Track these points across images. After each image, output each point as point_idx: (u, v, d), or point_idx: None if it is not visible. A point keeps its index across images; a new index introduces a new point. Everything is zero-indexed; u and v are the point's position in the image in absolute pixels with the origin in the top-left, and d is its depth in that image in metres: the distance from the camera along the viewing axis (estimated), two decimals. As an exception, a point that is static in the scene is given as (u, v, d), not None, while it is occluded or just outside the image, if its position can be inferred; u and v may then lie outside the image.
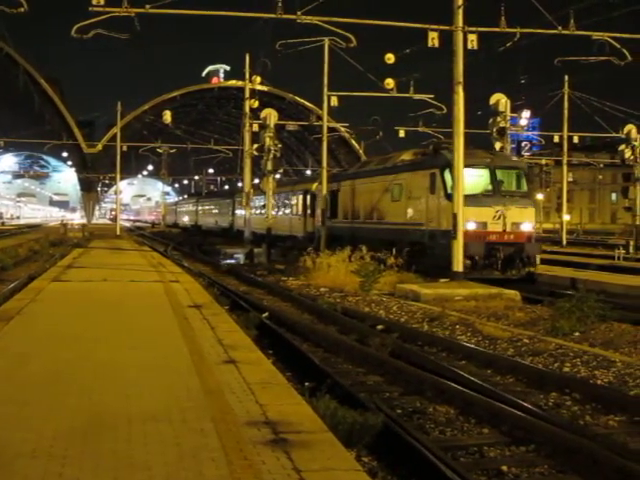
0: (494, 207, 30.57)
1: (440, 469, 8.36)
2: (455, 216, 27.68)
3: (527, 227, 31.40)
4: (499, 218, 30.47)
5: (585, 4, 31.11)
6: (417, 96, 46.41)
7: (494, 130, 36.96)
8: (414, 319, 21.49)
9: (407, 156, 37.64)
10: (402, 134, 60.01)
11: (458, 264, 27.51)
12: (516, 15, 30.73)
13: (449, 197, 30.08)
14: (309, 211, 51.26)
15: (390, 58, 34.03)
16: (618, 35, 30.75)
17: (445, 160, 31.34)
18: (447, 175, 30.94)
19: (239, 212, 65.89)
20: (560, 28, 29.55)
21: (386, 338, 17.19)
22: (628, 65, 31.89)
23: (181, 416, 8.06)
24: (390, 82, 42.44)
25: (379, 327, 19.66)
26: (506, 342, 17.41)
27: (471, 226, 29.89)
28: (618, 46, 30.74)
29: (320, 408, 9.51)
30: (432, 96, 47.01)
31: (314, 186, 49.68)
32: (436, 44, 28.10)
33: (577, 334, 18.33)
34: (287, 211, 58.14)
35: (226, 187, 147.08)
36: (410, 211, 34.42)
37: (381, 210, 38.04)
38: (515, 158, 40.83)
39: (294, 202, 55.87)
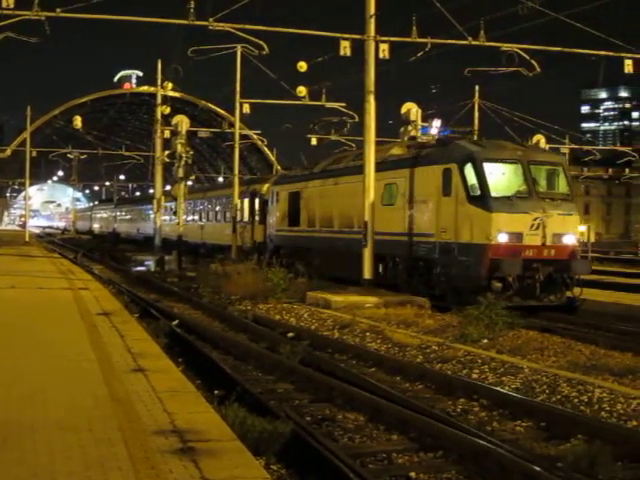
0: (532, 213, 24.44)
1: (348, 476, 8.39)
2: (366, 224, 27.75)
3: (571, 239, 25.24)
4: (537, 228, 24.40)
5: (495, 16, 31.55)
6: (329, 104, 46.51)
7: (405, 139, 37.16)
8: (325, 326, 21.54)
9: (398, 150, 31.43)
10: (314, 142, 60.06)
11: (368, 271, 27.57)
12: (429, 26, 31.02)
13: (473, 200, 24.87)
14: (257, 217, 45.83)
15: (302, 66, 34.11)
16: (527, 47, 31.20)
17: (465, 153, 25.83)
18: (469, 172, 25.19)
19: (166, 218, 60.11)
20: (470, 39, 29.88)
21: (296, 346, 17.22)
22: (537, 76, 32.38)
23: (88, 425, 7.96)
24: (302, 90, 42.55)
25: (290, 335, 19.72)
26: (415, 349, 17.57)
27: (503, 238, 24.10)
28: (527, 57, 31.20)
29: (229, 416, 9.50)
30: (344, 104, 47.19)
31: (265, 187, 44.99)
32: (348, 53, 28.23)
33: (485, 341, 18.54)
34: (229, 217, 50.48)
35: (137, 193, 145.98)
36: (411, 218, 27.91)
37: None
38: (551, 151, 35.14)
39: (238, 207, 48.72)
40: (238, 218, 48.14)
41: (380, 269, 29.09)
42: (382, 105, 30.21)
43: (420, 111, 39.53)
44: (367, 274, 27.60)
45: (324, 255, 32.62)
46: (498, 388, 13.74)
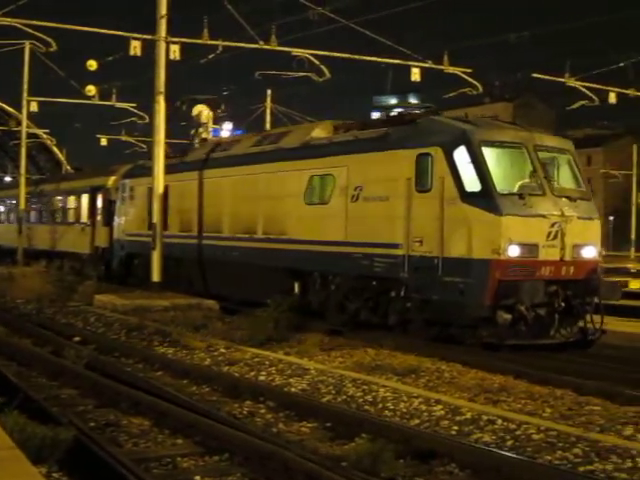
0: (549, 217, 18.41)
1: (131, 482, 8.31)
2: (155, 226, 27.41)
3: (593, 252, 19.27)
4: (555, 237, 18.32)
5: (286, 20, 31.92)
6: (119, 104, 45.91)
7: (196, 141, 37.16)
8: (112, 330, 21.24)
9: (322, 131, 24.23)
10: (104, 142, 59.23)
11: (157, 274, 27.31)
12: (222, 28, 30.99)
13: (470, 198, 18.33)
14: (101, 218, 38.68)
15: (92, 65, 33.53)
16: (316, 52, 31.60)
17: (453, 132, 19.40)
18: (462, 158, 18.68)
19: None
20: (262, 42, 30.04)
21: (82, 350, 16.91)
22: (327, 81, 32.85)
23: None
24: (92, 89, 41.78)
25: (76, 339, 19.37)
26: (203, 352, 17.56)
27: (514, 251, 17.90)
28: (317, 62, 31.63)
29: (8, 424, 9.22)
30: (134, 105, 46.71)
31: (111, 181, 37.97)
32: (138, 53, 27.84)
33: (273, 343, 18.71)
34: (61, 218, 44.42)
35: None
36: (358, 223, 21.06)
37: (277, 219, 24.20)
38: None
39: (73, 205, 42.60)
40: (73, 219, 42.45)
41: (296, 289, 23.11)
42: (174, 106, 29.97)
43: (212, 113, 39.63)
44: (155, 277, 27.35)
45: (208, 269, 26.91)
46: (285, 389, 13.90)
